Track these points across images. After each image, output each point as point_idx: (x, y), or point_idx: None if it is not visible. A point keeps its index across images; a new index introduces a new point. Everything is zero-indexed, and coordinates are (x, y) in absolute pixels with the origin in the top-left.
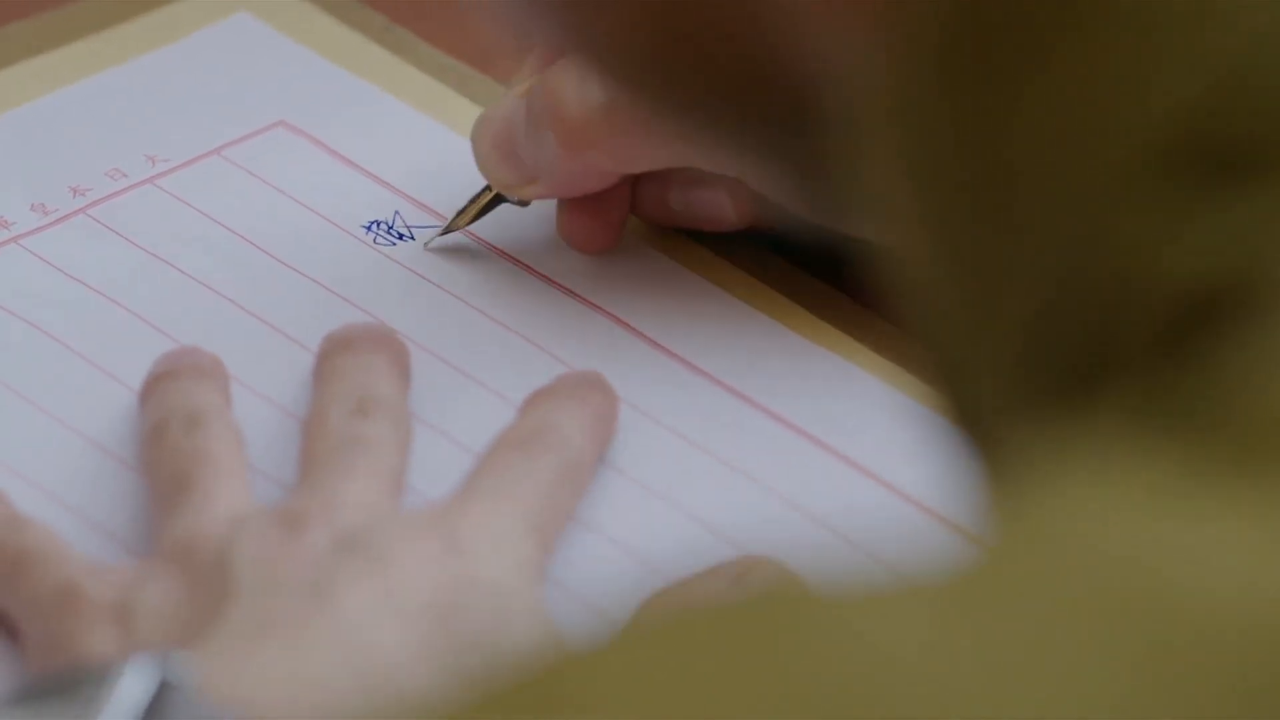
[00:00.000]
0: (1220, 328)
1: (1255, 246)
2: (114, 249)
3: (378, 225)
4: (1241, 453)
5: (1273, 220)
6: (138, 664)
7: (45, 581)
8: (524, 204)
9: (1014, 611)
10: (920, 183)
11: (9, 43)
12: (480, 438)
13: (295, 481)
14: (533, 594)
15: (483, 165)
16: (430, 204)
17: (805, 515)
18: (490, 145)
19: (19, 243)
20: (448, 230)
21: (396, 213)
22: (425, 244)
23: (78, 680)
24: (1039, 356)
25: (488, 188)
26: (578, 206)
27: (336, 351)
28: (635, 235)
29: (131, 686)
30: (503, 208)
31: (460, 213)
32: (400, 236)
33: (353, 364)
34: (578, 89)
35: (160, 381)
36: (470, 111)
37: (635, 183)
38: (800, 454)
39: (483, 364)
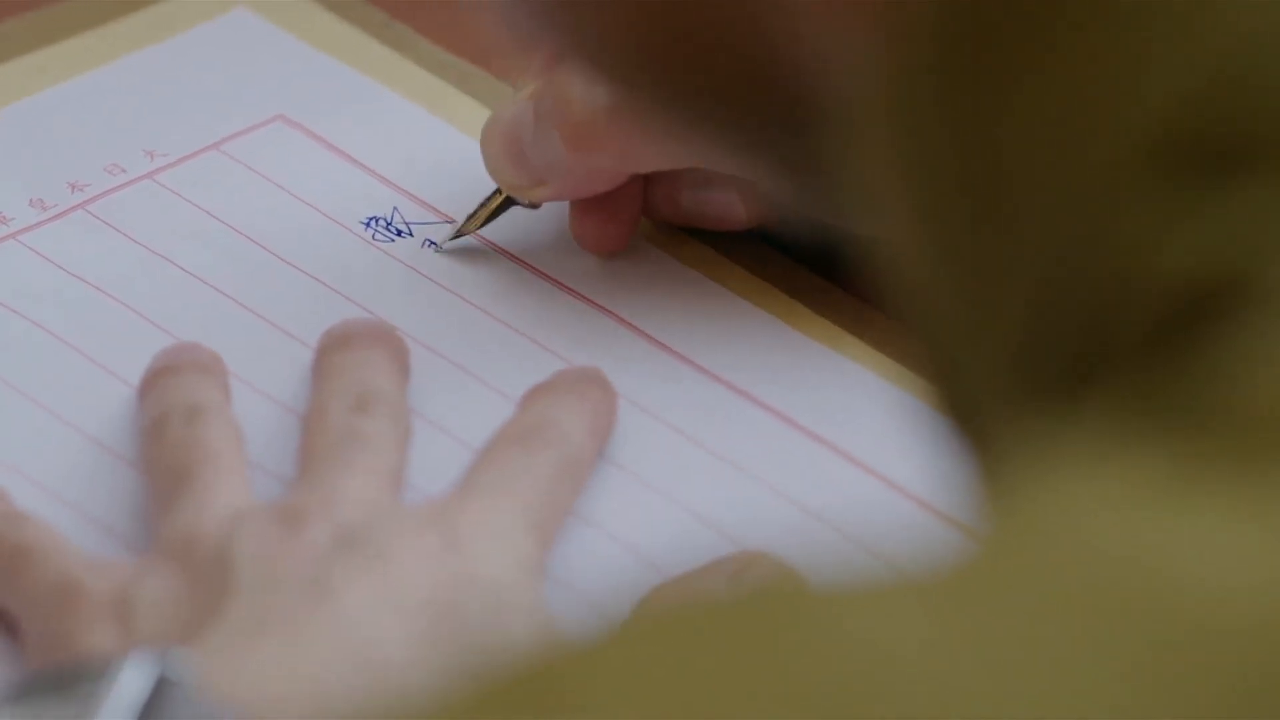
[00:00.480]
0: (1215, 325)
1: (1250, 244)
2: (113, 244)
3: (376, 221)
4: (1236, 449)
5: (1267, 218)
6: (137, 660)
7: (44, 577)
8: (535, 206)
9: (1011, 608)
10: (917, 181)
11: (8, 38)
12: (479, 433)
13: (295, 477)
14: (532, 590)
15: (492, 168)
16: (429, 200)
17: (803, 510)
18: (499, 147)
19: (17, 238)
20: (459, 234)
21: (395, 209)
22: (438, 248)
23: (77, 676)
24: (1035, 353)
25: (498, 191)
26: (590, 208)
27: (335, 347)
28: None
29: (130, 682)
30: (513, 210)
31: (471, 216)
32: (399, 232)
33: (352, 360)
34: (584, 90)
35: (159, 377)
36: (470, 108)
37: (646, 183)
38: (798, 449)
39: (481, 360)
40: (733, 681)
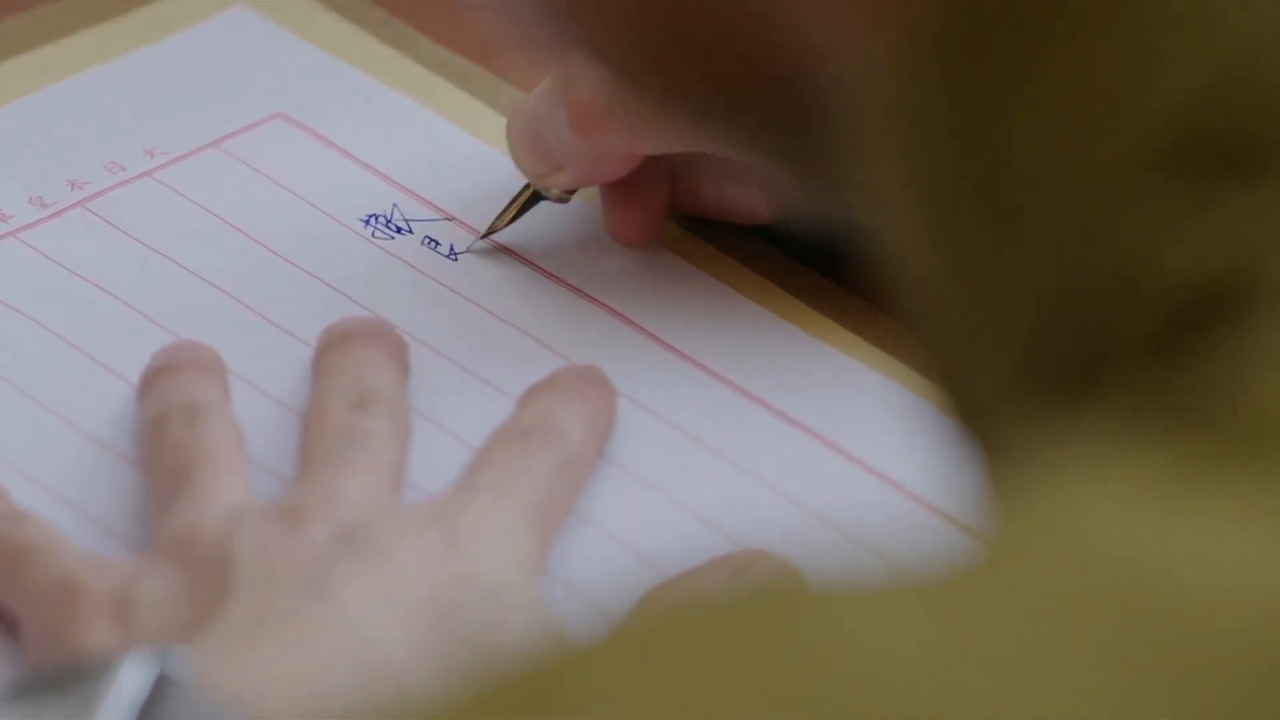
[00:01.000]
0: (1218, 326)
1: (1254, 245)
2: (112, 242)
3: (376, 219)
4: (1238, 450)
5: (1271, 219)
6: (136, 658)
7: (44, 575)
8: (563, 200)
9: (1013, 608)
10: (921, 180)
11: (8, 36)
12: (479, 432)
13: (294, 476)
14: (532, 589)
15: (515, 157)
16: (429, 197)
17: (804, 509)
18: (521, 137)
19: (17, 236)
20: (490, 232)
21: (395, 206)
22: (468, 247)
23: (76, 675)
24: (1039, 354)
25: (526, 186)
26: (619, 200)
27: (335, 346)
28: None
29: (130, 681)
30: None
31: (501, 213)
32: (399, 230)
33: (351, 358)
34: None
35: (159, 375)
36: (469, 105)
37: (672, 176)
38: (799, 448)
39: (481, 358)
40: (733, 681)
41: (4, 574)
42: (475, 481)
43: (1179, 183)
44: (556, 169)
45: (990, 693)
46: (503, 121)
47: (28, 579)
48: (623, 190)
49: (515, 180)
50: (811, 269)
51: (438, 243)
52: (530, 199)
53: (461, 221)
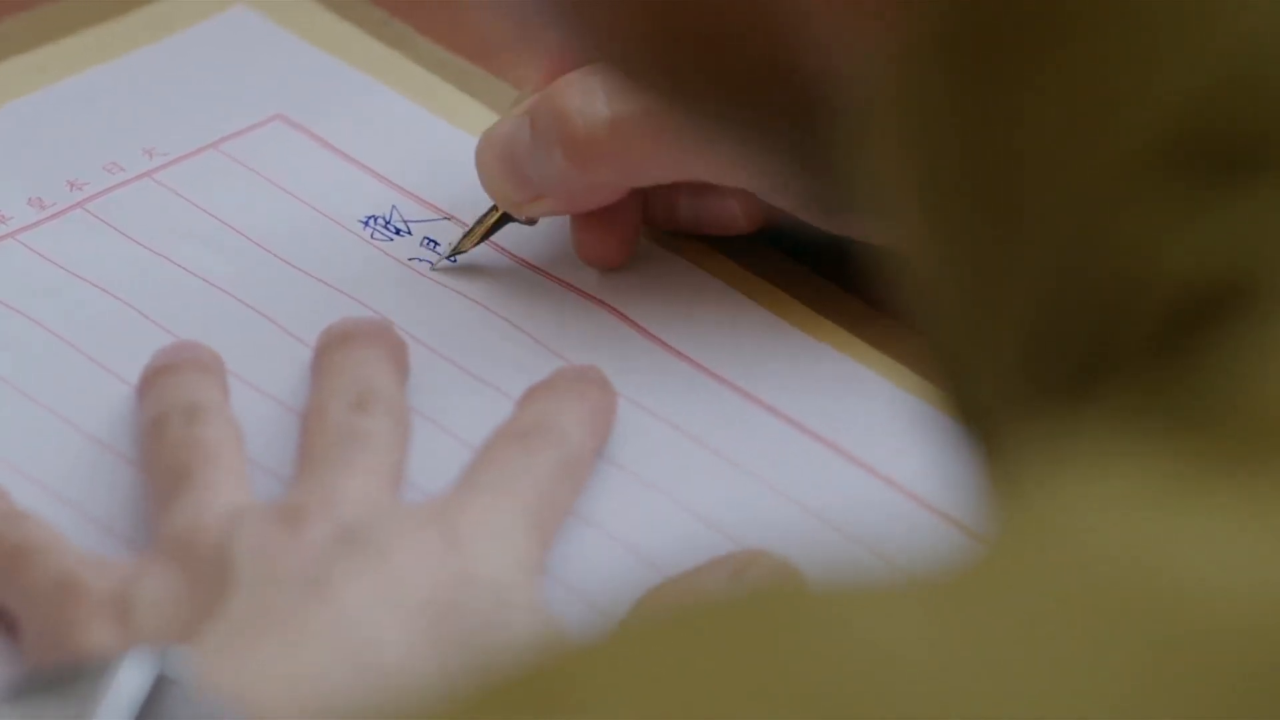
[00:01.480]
0: (1219, 326)
1: (1254, 245)
2: (111, 243)
3: (375, 220)
4: (1239, 451)
5: (1272, 219)
6: (135, 658)
7: (44, 574)
8: (531, 223)
9: (1013, 609)
10: (923, 178)
11: (7, 37)
12: (478, 432)
13: (294, 476)
14: (532, 589)
15: (488, 184)
16: (428, 198)
17: (804, 509)
18: (495, 164)
19: (16, 237)
20: (455, 252)
21: (394, 207)
22: (433, 266)
23: (76, 674)
24: (1040, 354)
25: (494, 207)
26: (591, 223)
27: (334, 346)
28: None
29: (129, 681)
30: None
31: (467, 234)
32: (397, 231)
33: (351, 358)
34: (583, 104)
35: (159, 376)
36: (469, 106)
37: (645, 193)
38: (798, 448)
39: (480, 358)
40: (734, 681)
41: (4, 574)
42: (475, 481)
43: (1180, 183)
44: (535, 198)
45: (991, 693)
46: None
47: (27, 578)
48: (595, 212)
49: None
50: (810, 269)
51: (437, 243)
52: (499, 221)
53: (460, 222)
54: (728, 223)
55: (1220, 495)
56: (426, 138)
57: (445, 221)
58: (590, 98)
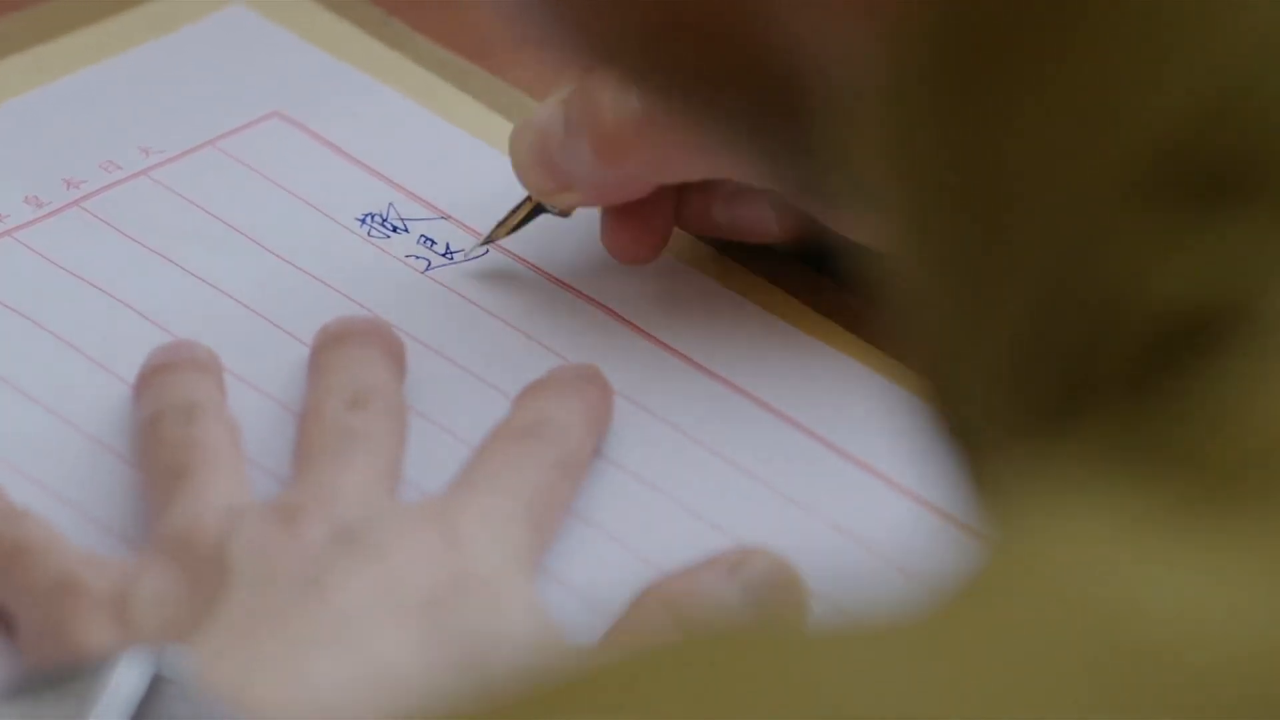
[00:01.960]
0: (1202, 355)
1: (1243, 273)
2: (108, 241)
3: (372, 218)
4: (1217, 488)
5: (1259, 245)
6: (133, 657)
7: (42, 572)
8: (565, 214)
9: (996, 654)
10: (914, 187)
11: (3, 35)
12: (475, 430)
13: (291, 474)
14: (529, 588)
15: (520, 173)
16: (425, 197)
17: (802, 508)
18: (527, 153)
19: (13, 235)
20: (488, 240)
21: (391, 205)
22: (465, 256)
23: (73, 673)
24: (1027, 376)
25: (527, 198)
26: (622, 220)
27: (331, 344)
28: None
29: (127, 680)
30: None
31: (500, 223)
32: (394, 229)
33: (347, 357)
34: (614, 98)
35: (155, 374)
36: (467, 105)
37: (678, 196)
38: (796, 446)
39: (477, 356)
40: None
41: (1, 572)
42: (473, 480)
43: (1168, 206)
44: (565, 188)
45: None
46: (501, 120)
47: (25, 577)
48: (625, 208)
49: (513, 184)
50: (809, 267)
51: (434, 242)
52: (532, 211)
53: (458, 221)
54: (762, 230)
55: (1199, 532)
56: (424, 136)
57: (443, 220)
58: (623, 92)
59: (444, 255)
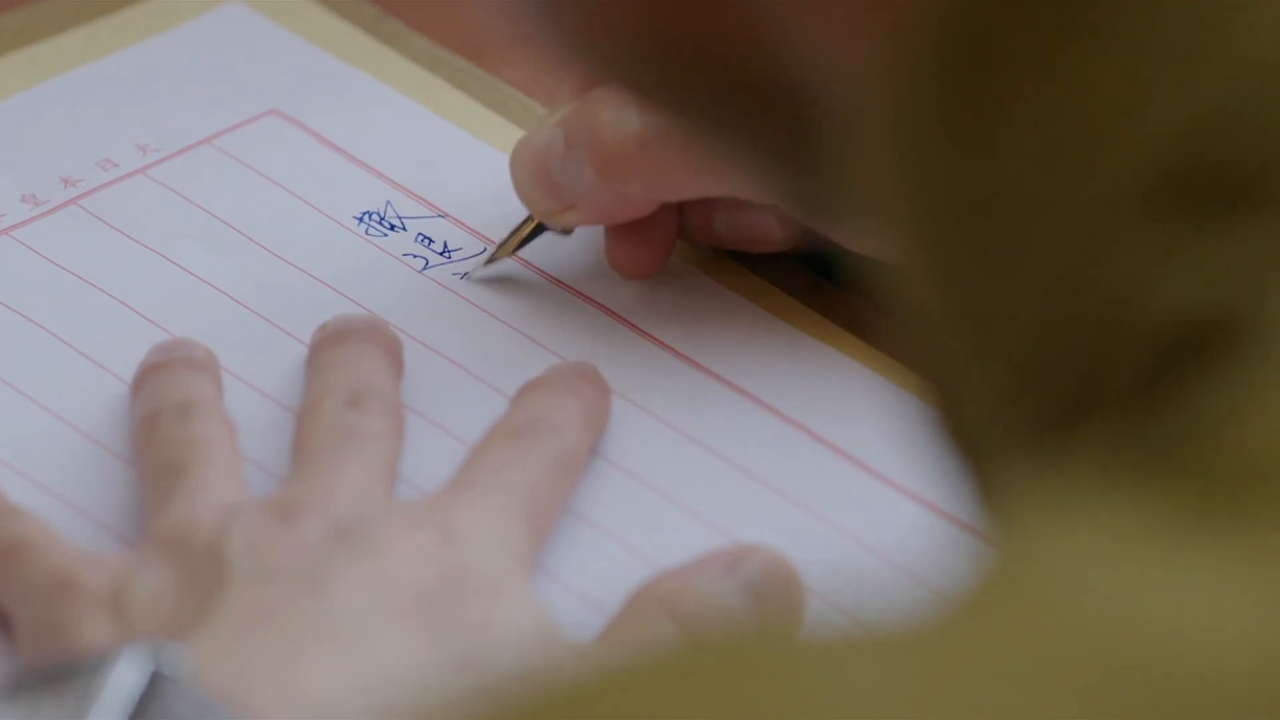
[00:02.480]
0: (1205, 367)
1: (1244, 283)
2: (105, 240)
3: (369, 216)
4: (1220, 500)
5: (1261, 257)
6: (130, 654)
7: (39, 570)
8: (567, 233)
9: (997, 663)
10: (916, 200)
11: (0, 33)
12: (472, 429)
13: (289, 472)
14: (526, 586)
15: (521, 192)
16: (423, 195)
17: (801, 507)
18: (528, 172)
19: (10, 234)
20: (492, 260)
21: (388, 203)
22: (468, 274)
23: (70, 671)
24: (1030, 389)
25: (529, 217)
26: (626, 235)
27: (329, 343)
28: None
29: (124, 677)
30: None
31: (503, 244)
32: (392, 227)
33: (345, 355)
34: (614, 117)
35: (152, 372)
36: (463, 103)
37: (681, 208)
38: (793, 445)
39: (475, 355)
40: None
41: None
42: (470, 478)
43: (1169, 218)
44: (567, 208)
45: None
46: (498, 119)
47: (22, 575)
48: (628, 225)
49: (511, 183)
50: (809, 268)
51: (431, 240)
52: (534, 230)
53: (455, 219)
54: (764, 239)
55: (1203, 544)
56: (422, 134)
57: (440, 218)
58: (623, 111)
59: (441, 254)
